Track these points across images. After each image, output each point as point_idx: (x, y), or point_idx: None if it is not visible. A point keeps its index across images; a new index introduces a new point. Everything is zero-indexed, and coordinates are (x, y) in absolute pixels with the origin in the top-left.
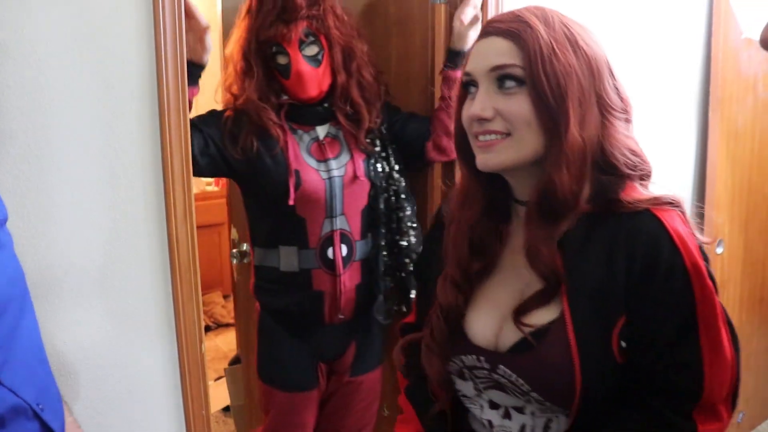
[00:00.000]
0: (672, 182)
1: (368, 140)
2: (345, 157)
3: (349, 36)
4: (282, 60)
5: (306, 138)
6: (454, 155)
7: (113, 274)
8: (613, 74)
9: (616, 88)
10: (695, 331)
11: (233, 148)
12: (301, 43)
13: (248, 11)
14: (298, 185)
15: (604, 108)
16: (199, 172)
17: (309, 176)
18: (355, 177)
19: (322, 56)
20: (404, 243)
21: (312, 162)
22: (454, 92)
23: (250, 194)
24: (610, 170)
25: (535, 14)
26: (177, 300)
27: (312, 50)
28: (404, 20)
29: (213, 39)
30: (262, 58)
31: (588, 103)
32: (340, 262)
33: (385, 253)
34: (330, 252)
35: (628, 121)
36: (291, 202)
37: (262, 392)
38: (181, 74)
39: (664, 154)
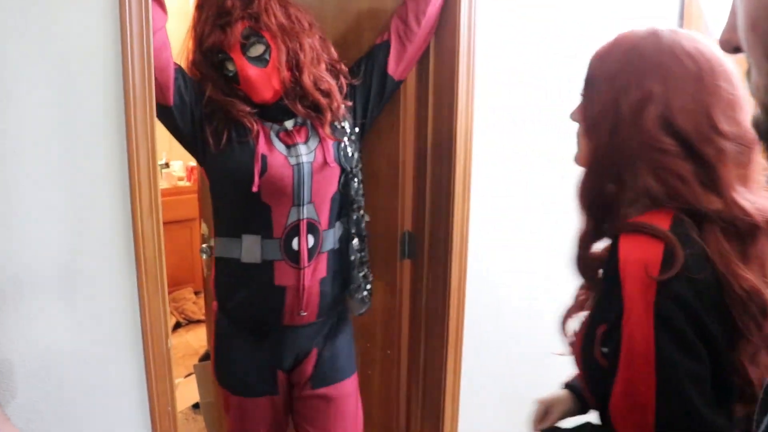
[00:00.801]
0: None
1: (336, 123)
2: (314, 142)
3: (294, 29)
4: (230, 66)
5: (275, 128)
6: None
7: (77, 269)
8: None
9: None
10: (617, 358)
11: (209, 131)
12: (243, 46)
13: (193, 20)
14: (263, 171)
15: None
16: (164, 115)
17: (276, 161)
18: (325, 163)
19: (270, 54)
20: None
21: (281, 147)
22: None
23: (215, 178)
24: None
25: None
26: (142, 295)
27: (257, 50)
28: (377, 14)
29: (183, 28)
30: (213, 67)
31: None
32: (305, 254)
33: (356, 241)
34: (295, 243)
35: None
36: (255, 189)
37: (220, 393)
38: (147, 64)
39: None
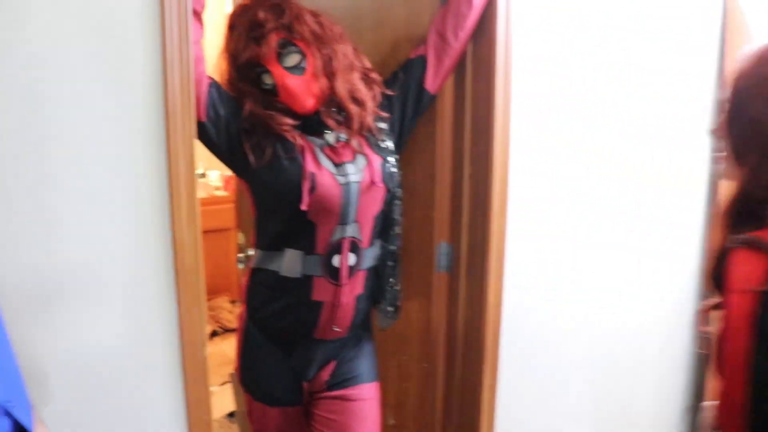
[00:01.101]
0: (685, 192)
1: (381, 140)
2: (362, 162)
3: (326, 36)
4: (268, 80)
5: (318, 142)
6: (456, 46)
7: (117, 277)
8: None
9: None
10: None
11: (248, 146)
12: (279, 56)
13: (225, 40)
14: (312, 189)
15: None
16: (207, 136)
17: (325, 180)
18: (372, 183)
19: (306, 63)
20: (394, 248)
21: (329, 165)
22: None
23: (259, 193)
24: None
25: None
26: (180, 304)
27: (293, 59)
28: (413, 24)
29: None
30: (251, 82)
31: None
32: (345, 272)
33: (391, 258)
34: (336, 260)
35: None
36: (304, 207)
37: (243, 395)
38: (188, 77)
39: (677, 163)
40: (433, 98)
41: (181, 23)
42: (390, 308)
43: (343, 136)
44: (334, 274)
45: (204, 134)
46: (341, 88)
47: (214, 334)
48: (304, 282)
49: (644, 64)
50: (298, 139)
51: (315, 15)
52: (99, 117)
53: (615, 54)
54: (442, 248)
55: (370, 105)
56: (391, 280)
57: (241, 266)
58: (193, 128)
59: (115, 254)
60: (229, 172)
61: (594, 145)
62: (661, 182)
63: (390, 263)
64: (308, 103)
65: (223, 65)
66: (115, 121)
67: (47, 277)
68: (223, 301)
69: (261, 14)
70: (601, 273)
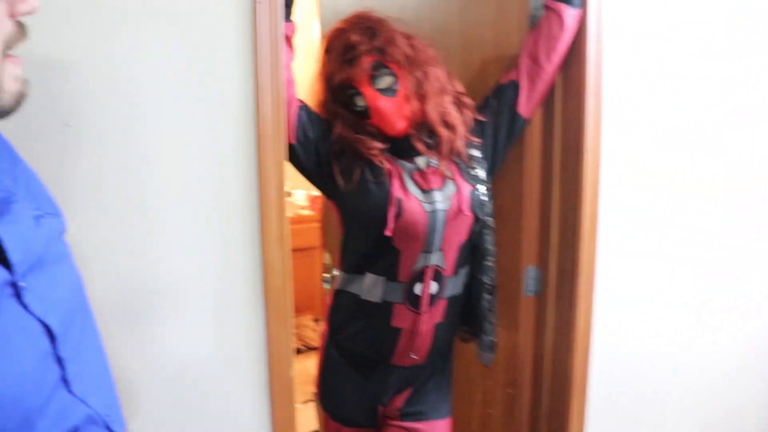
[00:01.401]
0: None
1: (472, 167)
2: (450, 189)
3: (419, 59)
4: (360, 102)
5: (408, 166)
6: (549, 68)
7: (207, 295)
8: None
9: None
10: None
11: (337, 169)
12: (372, 78)
13: (321, 62)
14: (398, 215)
15: None
16: (297, 160)
17: (411, 206)
18: (459, 211)
19: (398, 85)
20: (488, 280)
21: (416, 192)
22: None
23: (346, 215)
24: None
25: None
26: (269, 323)
27: (385, 81)
28: (502, 45)
29: (311, 65)
30: (343, 104)
31: None
32: (426, 300)
33: (487, 291)
34: (418, 288)
35: None
36: (388, 233)
37: (321, 413)
38: (279, 100)
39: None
40: (526, 123)
41: (272, 47)
42: (489, 344)
43: (434, 161)
44: (414, 301)
45: (293, 156)
46: (432, 112)
47: (297, 351)
48: (384, 307)
49: (740, 80)
50: (386, 164)
51: (408, 37)
52: (192, 139)
53: (709, 70)
54: (530, 272)
55: (461, 129)
56: (489, 314)
57: (326, 286)
58: (283, 150)
59: (205, 273)
60: (315, 192)
61: (688, 164)
62: (760, 202)
63: (486, 296)
64: (399, 125)
65: (318, 87)
66: (207, 144)
67: (141, 292)
68: (306, 320)
69: (354, 37)
70: (697, 295)
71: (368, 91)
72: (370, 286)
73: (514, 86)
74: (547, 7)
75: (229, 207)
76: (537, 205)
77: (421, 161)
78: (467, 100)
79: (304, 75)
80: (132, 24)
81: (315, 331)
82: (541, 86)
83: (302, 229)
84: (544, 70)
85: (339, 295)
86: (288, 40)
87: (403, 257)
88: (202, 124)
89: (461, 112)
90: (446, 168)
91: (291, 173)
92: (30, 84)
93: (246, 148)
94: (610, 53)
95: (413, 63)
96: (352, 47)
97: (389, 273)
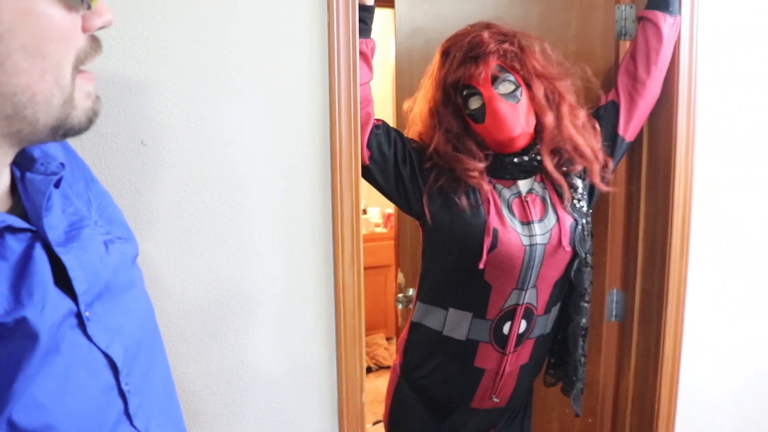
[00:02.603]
0: None
1: (576, 198)
2: (551, 220)
3: (551, 74)
4: (474, 103)
5: (506, 193)
6: (651, 85)
7: (279, 315)
8: None
9: None
10: None
11: (426, 188)
12: (495, 80)
13: (437, 66)
14: (493, 246)
15: None
16: (383, 176)
17: (508, 239)
18: (559, 245)
19: (521, 93)
20: (584, 322)
21: (515, 223)
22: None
23: (432, 241)
24: None
25: None
26: (340, 345)
27: (507, 87)
28: (586, 58)
29: (386, 83)
30: (453, 108)
31: None
32: (513, 340)
33: (581, 335)
34: (507, 327)
35: None
36: (481, 266)
37: None
38: (354, 117)
39: None
40: (628, 147)
41: (348, 63)
42: (580, 389)
43: (537, 187)
44: (501, 341)
45: (370, 178)
46: (567, 130)
47: (368, 370)
48: (468, 346)
49: None
50: (485, 186)
51: (544, 50)
52: (267, 158)
53: None
54: (614, 296)
55: (595, 162)
56: (582, 359)
57: (400, 306)
58: (358, 170)
59: (278, 293)
60: (389, 209)
61: None
62: None
63: (581, 341)
64: (515, 130)
65: (427, 92)
66: (281, 161)
67: (214, 310)
68: (379, 338)
69: (485, 35)
70: None
71: (488, 91)
72: (455, 323)
73: (614, 107)
74: (642, 18)
75: (302, 227)
76: (621, 225)
77: (523, 186)
78: (597, 126)
79: (379, 93)
80: (207, 41)
81: (387, 350)
82: (641, 103)
83: (376, 247)
84: (644, 86)
85: (416, 328)
86: (365, 57)
87: (494, 293)
88: (277, 141)
89: (586, 137)
90: (549, 197)
91: (365, 190)
92: (102, 101)
93: (320, 166)
94: (705, 63)
95: (542, 77)
96: (479, 45)
97: (477, 309)
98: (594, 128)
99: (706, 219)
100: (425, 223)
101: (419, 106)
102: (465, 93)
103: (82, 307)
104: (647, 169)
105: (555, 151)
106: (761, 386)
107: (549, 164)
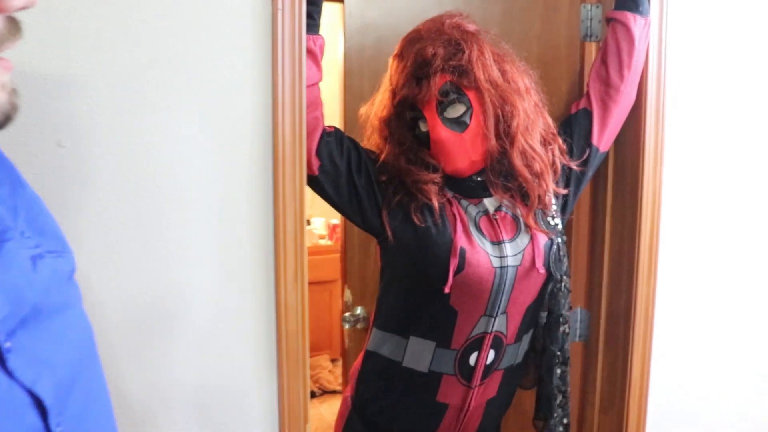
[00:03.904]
0: None
1: (551, 215)
2: (523, 240)
3: (507, 90)
4: (423, 127)
5: (473, 210)
6: (625, 88)
7: (214, 338)
8: None
9: None
10: None
11: (386, 204)
12: (440, 104)
13: (392, 70)
14: (460, 268)
15: None
16: (335, 189)
17: (476, 260)
18: (532, 267)
19: (470, 117)
20: (562, 352)
21: (484, 243)
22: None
23: (391, 262)
24: None
25: None
26: (282, 371)
27: (455, 111)
28: (550, 62)
29: (333, 84)
30: (406, 123)
31: None
32: (480, 373)
33: (560, 367)
34: (473, 358)
35: None
36: (447, 290)
37: None
38: (299, 120)
39: None
40: (602, 158)
41: (294, 61)
42: (561, 429)
43: (506, 205)
44: (467, 373)
45: (320, 190)
46: (517, 156)
47: (311, 395)
48: (430, 379)
49: None
50: (449, 205)
51: (500, 60)
52: (203, 163)
53: None
54: (578, 315)
55: (548, 179)
56: (561, 394)
57: (346, 326)
58: (302, 178)
59: (211, 310)
60: (335, 220)
61: (762, 196)
62: None
63: (559, 371)
64: (460, 164)
65: (385, 97)
66: (218, 167)
67: (137, 332)
68: (323, 360)
69: (430, 50)
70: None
71: (432, 118)
72: (416, 353)
73: (587, 115)
74: (610, 20)
75: (240, 240)
76: (586, 240)
77: (489, 204)
78: (559, 142)
79: (326, 95)
80: (136, 33)
81: (332, 373)
82: (617, 112)
83: (320, 261)
84: (618, 92)
85: (372, 357)
86: (313, 56)
87: (460, 320)
88: (214, 146)
89: (551, 157)
90: (521, 215)
91: (310, 200)
92: (21, 95)
93: (261, 173)
94: (674, 67)
95: (500, 92)
96: (425, 62)
97: (441, 338)
98: (558, 152)
99: (675, 234)
100: (385, 240)
101: (375, 113)
102: (412, 114)
103: (1, 337)
104: (613, 181)
105: (503, 174)
106: (734, 408)
107: (497, 192)
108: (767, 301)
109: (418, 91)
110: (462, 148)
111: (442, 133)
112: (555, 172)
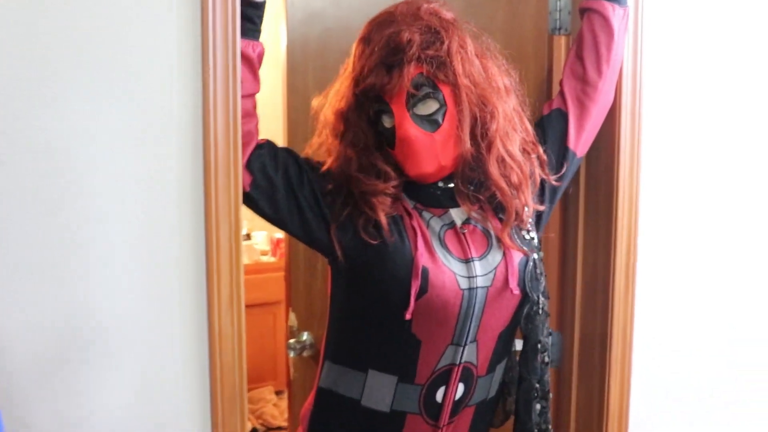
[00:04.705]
0: None
1: (526, 229)
2: (495, 257)
3: (486, 90)
4: (387, 122)
5: (436, 224)
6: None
7: (139, 368)
8: None
9: None
10: None
11: (335, 217)
12: (411, 98)
13: (355, 55)
14: (423, 291)
15: None
16: (274, 208)
17: (441, 281)
18: (505, 287)
19: (443, 116)
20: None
21: (450, 261)
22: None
23: (343, 284)
24: None
25: None
26: (216, 408)
27: (427, 107)
28: (514, 57)
29: (275, 81)
30: (366, 117)
31: None
32: (448, 410)
33: (539, 403)
34: (440, 393)
35: None
36: (408, 316)
37: None
38: (234, 125)
39: None
40: (578, 164)
41: (228, 72)
42: None
43: (474, 218)
44: (433, 412)
45: (255, 207)
46: (493, 165)
47: None
48: (393, 419)
49: None
50: (408, 217)
51: (482, 54)
52: (119, 174)
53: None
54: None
55: (527, 192)
56: (543, 431)
57: (292, 354)
58: (238, 188)
59: (134, 340)
60: (279, 234)
61: (750, 201)
62: None
63: (539, 407)
64: (427, 167)
65: (344, 86)
66: (140, 178)
67: (46, 364)
68: (267, 392)
69: (405, 35)
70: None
71: (400, 112)
72: (376, 389)
73: (561, 116)
74: (586, 10)
75: (166, 260)
76: (556, 255)
77: (456, 215)
78: (539, 151)
79: (266, 93)
80: (36, 23)
81: (276, 407)
82: (596, 112)
83: (262, 280)
84: (596, 90)
85: (325, 396)
86: (250, 63)
87: (425, 350)
88: (136, 155)
89: (531, 168)
90: (492, 228)
91: (250, 212)
92: None
93: (191, 183)
94: (652, 62)
95: (477, 92)
96: (398, 48)
97: (403, 372)
98: (538, 162)
99: (655, 248)
100: (335, 260)
101: (330, 104)
102: (377, 107)
103: None
104: (585, 189)
105: (476, 183)
106: None
107: (464, 203)
108: (757, 320)
109: (387, 81)
110: (431, 150)
111: (411, 130)
112: (534, 184)
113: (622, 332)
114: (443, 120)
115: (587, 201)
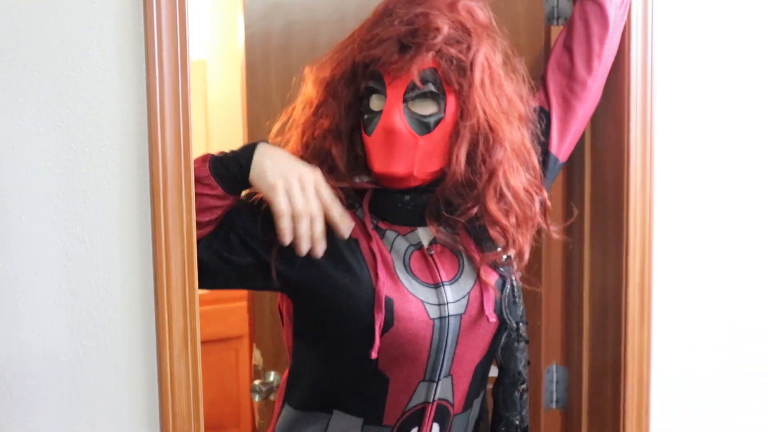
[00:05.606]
0: None
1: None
2: (467, 281)
3: (500, 112)
4: (376, 104)
5: (401, 244)
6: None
7: (73, 420)
8: None
9: None
10: None
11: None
12: (411, 90)
13: (368, 22)
14: (388, 325)
15: None
16: (213, 284)
17: (408, 312)
18: (480, 315)
19: (436, 124)
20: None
21: (416, 287)
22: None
23: (303, 322)
24: None
25: None
26: None
27: (424, 107)
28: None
29: (234, 76)
30: (352, 94)
31: None
32: None
33: None
34: None
35: None
36: (374, 355)
37: None
38: (184, 133)
39: None
40: (560, 169)
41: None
42: None
43: (441, 239)
44: None
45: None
46: (489, 193)
47: None
48: None
49: None
50: (366, 239)
51: (507, 74)
52: (48, 188)
53: None
54: (553, 374)
55: (528, 232)
56: None
57: (256, 398)
58: (190, 207)
59: (66, 387)
60: None
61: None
62: None
63: None
64: (397, 168)
65: (344, 50)
66: (73, 194)
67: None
68: None
69: (436, 22)
70: None
71: (395, 99)
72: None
73: (543, 115)
74: None
75: (107, 292)
76: (559, 280)
77: (423, 235)
78: (545, 197)
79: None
80: None
81: None
82: (582, 113)
83: (223, 311)
84: (584, 87)
85: None
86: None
87: (393, 389)
88: (68, 168)
89: (532, 210)
90: (464, 249)
91: None
92: None
93: (136, 203)
94: (663, 58)
95: (489, 114)
96: (422, 31)
97: (370, 413)
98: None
99: (672, 268)
100: (288, 292)
101: (313, 73)
102: (370, 84)
103: None
104: (591, 204)
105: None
106: None
107: (462, 231)
108: None
109: (396, 59)
110: (409, 153)
111: (397, 122)
112: (533, 228)
113: (638, 365)
114: (434, 128)
115: (593, 215)
